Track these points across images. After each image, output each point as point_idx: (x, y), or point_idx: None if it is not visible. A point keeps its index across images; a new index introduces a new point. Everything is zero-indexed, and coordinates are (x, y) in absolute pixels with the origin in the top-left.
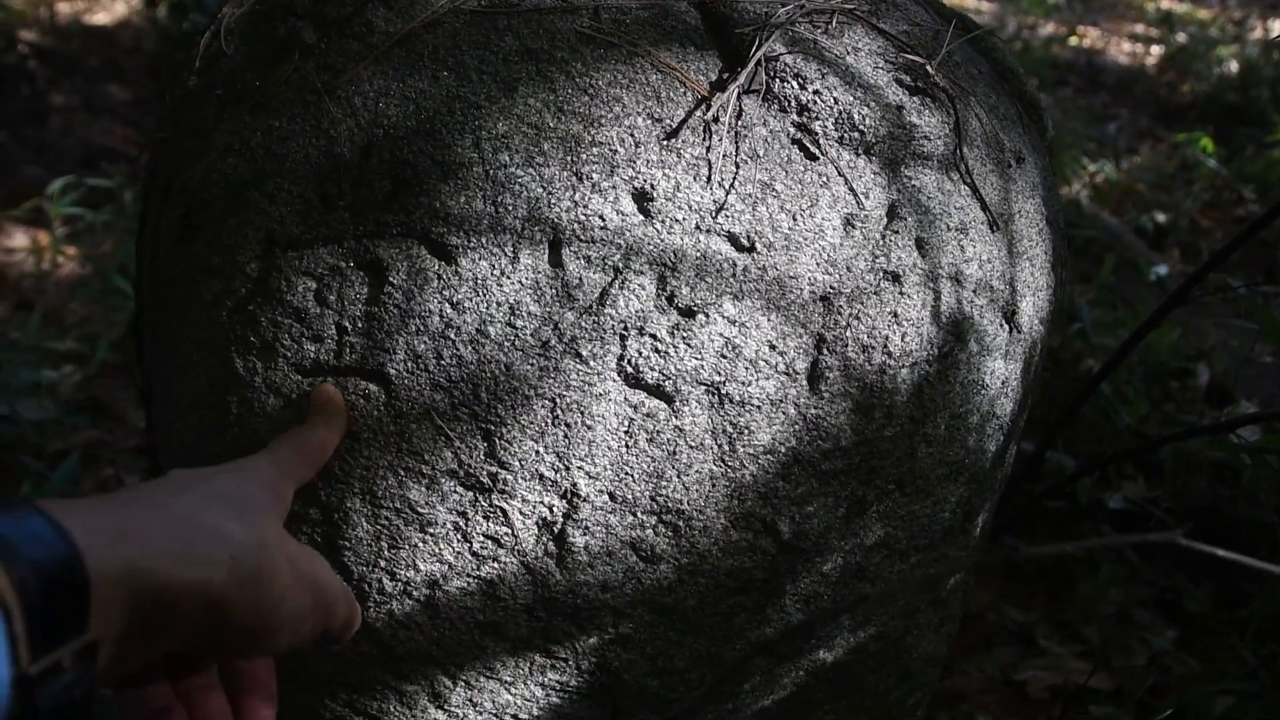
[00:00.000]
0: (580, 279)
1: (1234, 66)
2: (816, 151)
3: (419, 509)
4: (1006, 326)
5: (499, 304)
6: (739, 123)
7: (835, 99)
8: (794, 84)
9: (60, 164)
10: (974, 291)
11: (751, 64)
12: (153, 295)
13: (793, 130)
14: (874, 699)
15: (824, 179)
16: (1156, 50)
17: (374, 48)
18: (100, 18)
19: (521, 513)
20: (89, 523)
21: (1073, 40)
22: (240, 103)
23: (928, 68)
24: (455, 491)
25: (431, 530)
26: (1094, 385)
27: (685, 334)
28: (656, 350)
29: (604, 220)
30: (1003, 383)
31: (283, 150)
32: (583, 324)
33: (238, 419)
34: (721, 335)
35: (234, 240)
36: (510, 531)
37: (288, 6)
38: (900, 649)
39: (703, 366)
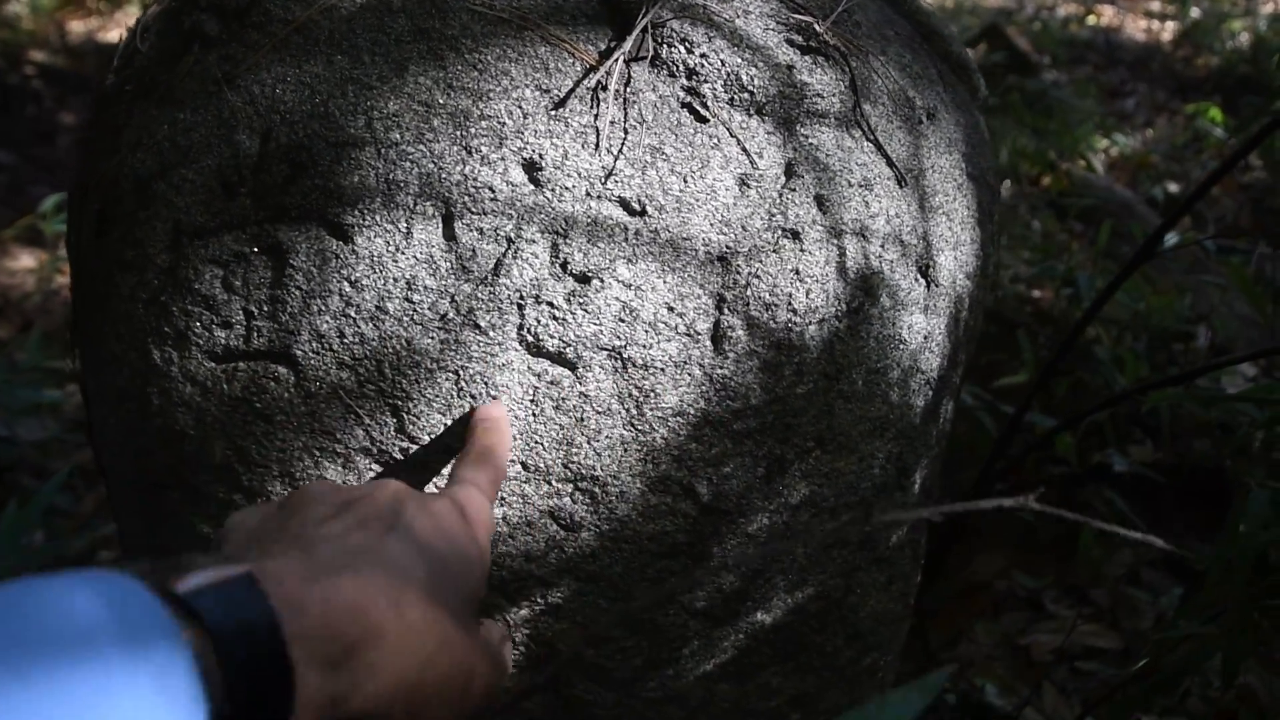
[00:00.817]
0: (474, 250)
1: (1245, 39)
2: (706, 114)
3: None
4: (923, 281)
5: (395, 279)
6: (627, 89)
7: (723, 61)
8: (681, 49)
9: (68, 183)
10: (882, 246)
11: (637, 30)
12: (79, 293)
13: (682, 94)
14: (822, 659)
15: (715, 140)
16: (1171, 26)
17: (272, 35)
18: (115, 35)
19: (436, 486)
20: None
21: (1090, 19)
22: (148, 97)
23: (815, 26)
24: (370, 469)
25: None
26: (1070, 341)
27: (581, 300)
28: (554, 317)
29: (494, 191)
30: (925, 337)
31: (186, 142)
32: (479, 295)
33: (159, 409)
34: (618, 299)
35: (144, 233)
36: None
37: (194, 1)
38: (844, 608)
39: (602, 331)
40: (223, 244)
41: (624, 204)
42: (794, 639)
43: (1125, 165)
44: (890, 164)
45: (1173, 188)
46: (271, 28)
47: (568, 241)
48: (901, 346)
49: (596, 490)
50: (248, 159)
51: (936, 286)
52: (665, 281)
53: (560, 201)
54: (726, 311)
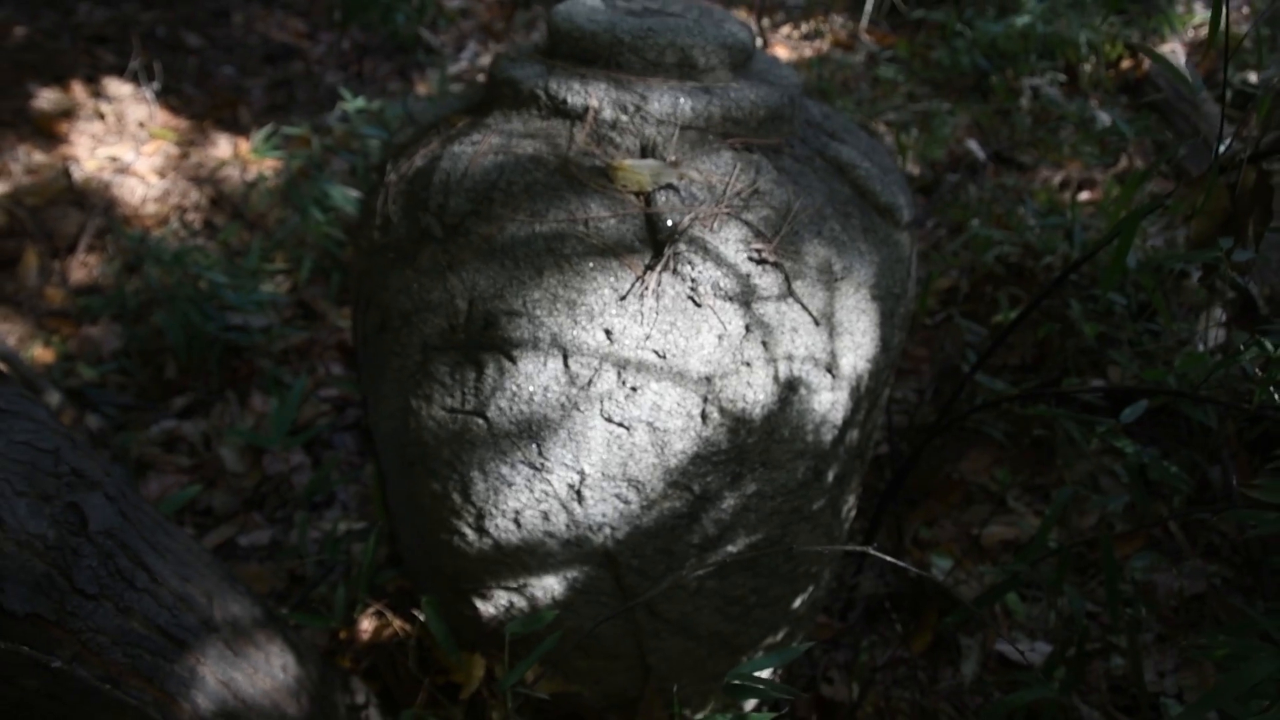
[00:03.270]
0: (578, 374)
1: None
2: (700, 303)
3: (506, 478)
4: (830, 376)
5: (538, 385)
6: (659, 288)
7: (710, 275)
8: (688, 267)
9: (248, 63)
10: (802, 362)
11: (664, 259)
12: (364, 355)
13: (688, 292)
14: (770, 569)
15: (704, 317)
16: None
17: (471, 243)
18: None
19: (557, 480)
20: None
21: None
22: (404, 262)
23: (764, 253)
24: (524, 469)
25: (513, 486)
26: (1036, 302)
27: (632, 399)
28: (618, 406)
29: (589, 345)
30: (831, 404)
31: (427, 298)
32: (580, 395)
33: (414, 430)
34: (651, 400)
35: (406, 341)
36: (553, 490)
37: (422, 202)
38: (782, 543)
39: (642, 414)
40: (449, 356)
41: (656, 352)
42: (752, 559)
43: (1211, 50)
44: (810, 314)
45: (1252, 77)
46: (470, 237)
47: (625, 371)
48: (815, 411)
49: (639, 486)
50: (461, 314)
51: (839, 377)
52: (676, 391)
53: (622, 350)
54: (709, 404)
